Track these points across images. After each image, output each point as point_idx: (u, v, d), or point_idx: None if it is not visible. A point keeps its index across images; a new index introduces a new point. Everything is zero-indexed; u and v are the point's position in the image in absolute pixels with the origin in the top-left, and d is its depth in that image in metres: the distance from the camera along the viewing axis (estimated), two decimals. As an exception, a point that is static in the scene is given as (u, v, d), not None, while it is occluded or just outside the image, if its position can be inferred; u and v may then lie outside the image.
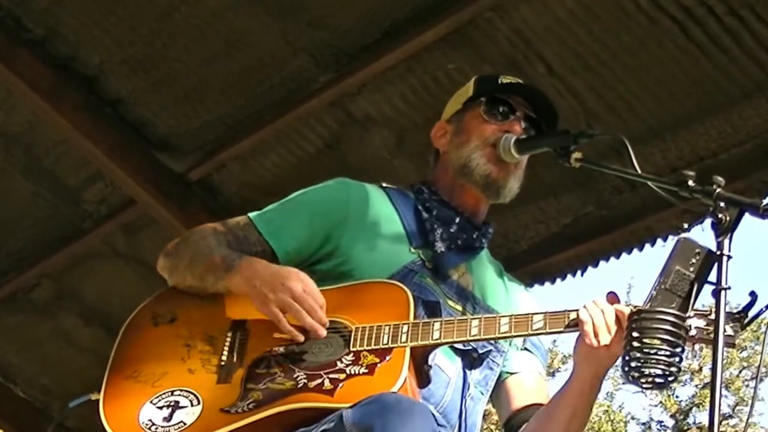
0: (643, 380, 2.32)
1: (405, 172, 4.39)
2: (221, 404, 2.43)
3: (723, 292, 2.22)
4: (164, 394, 2.48)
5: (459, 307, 2.70)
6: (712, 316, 2.30)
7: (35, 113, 4.60)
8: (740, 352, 13.27)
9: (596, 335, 2.42)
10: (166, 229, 4.73)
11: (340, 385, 2.38)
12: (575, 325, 2.45)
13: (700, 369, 13.35)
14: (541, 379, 2.81)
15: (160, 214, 4.77)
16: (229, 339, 2.56)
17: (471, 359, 2.69)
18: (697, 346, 2.42)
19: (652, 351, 2.28)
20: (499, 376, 2.76)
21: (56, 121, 4.53)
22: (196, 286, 2.63)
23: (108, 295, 5.25)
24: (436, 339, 2.46)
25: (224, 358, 2.52)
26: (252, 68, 4.34)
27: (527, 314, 2.48)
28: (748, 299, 2.36)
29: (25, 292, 5.36)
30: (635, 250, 4.45)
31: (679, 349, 2.29)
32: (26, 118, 4.65)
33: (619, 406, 13.99)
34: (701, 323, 2.38)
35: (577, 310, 2.45)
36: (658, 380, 2.31)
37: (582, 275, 4.62)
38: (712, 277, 2.27)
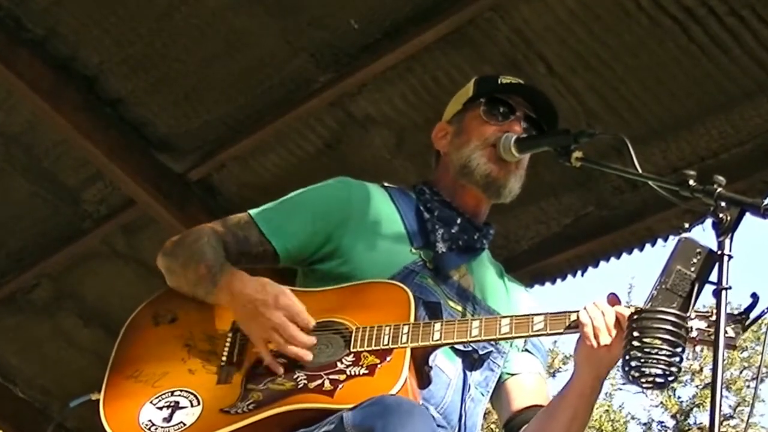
0: (643, 380, 2.31)
1: (405, 172, 4.38)
2: (221, 405, 2.43)
3: (724, 292, 2.22)
4: (164, 394, 2.48)
5: (459, 308, 2.69)
6: (713, 318, 2.30)
7: (35, 113, 4.59)
8: (741, 353, 13.26)
9: (596, 337, 2.42)
10: (165, 229, 4.72)
11: (341, 385, 2.38)
12: (575, 326, 2.44)
13: (701, 369, 13.34)
14: (542, 380, 2.81)
15: (159, 215, 4.76)
16: (229, 339, 2.56)
17: (472, 360, 2.68)
18: (698, 347, 2.41)
19: (653, 351, 2.28)
20: (500, 377, 2.75)
21: (56, 121, 4.52)
22: (191, 295, 2.62)
23: (108, 295, 5.25)
24: (437, 340, 2.46)
25: (224, 358, 2.52)
26: (252, 68, 4.34)
27: (528, 315, 2.48)
28: (749, 300, 2.36)
29: (25, 292, 5.36)
30: (636, 251, 4.45)
31: (679, 349, 2.28)
32: (26, 118, 4.65)
33: (620, 406, 13.99)
34: (702, 325, 2.37)
35: (577, 312, 2.45)
36: (658, 380, 2.30)
37: (582, 275, 4.62)
38: (713, 277, 2.27)
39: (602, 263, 4.55)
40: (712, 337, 2.25)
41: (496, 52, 4.04)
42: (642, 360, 2.28)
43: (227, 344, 2.55)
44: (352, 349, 2.45)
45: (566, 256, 4.58)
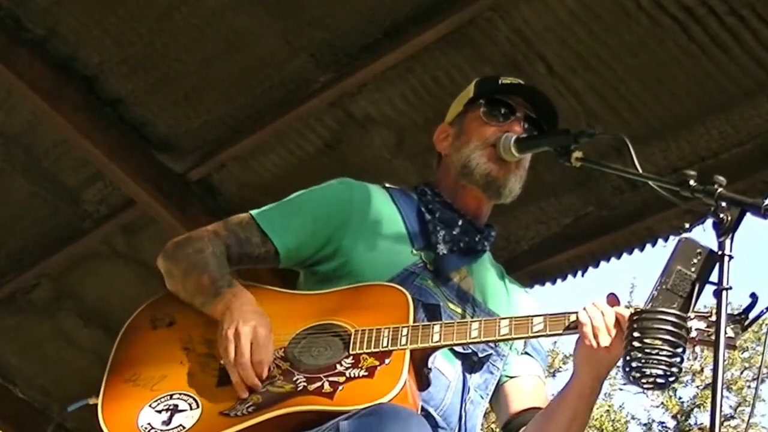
0: (644, 380, 2.31)
1: (405, 173, 4.38)
2: (220, 407, 2.42)
3: (724, 292, 2.22)
4: (163, 397, 2.47)
5: (459, 310, 2.69)
6: (713, 318, 2.30)
7: (35, 113, 4.59)
8: (742, 353, 13.26)
9: (596, 337, 2.41)
10: (165, 229, 4.72)
11: (340, 387, 2.37)
12: (575, 327, 2.44)
13: (702, 370, 13.33)
14: (541, 382, 2.80)
15: (159, 215, 4.76)
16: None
17: (471, 363, 2.68)
18: (698, 347, 2.41)
19: (653, 351, 2.27)
20: (499, 380, 2.75)
21: (56, 121, 4.52)
22: (188, 302, 2.62)
23: (107, 295, 5.24)
24: (436, 341, 2.45)
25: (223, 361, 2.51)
26: (252, 68, 4.34)
27: (527, 317, 2.47)
28: (748, 300, 2.36)
29: (25, 292, 5.35)
30: (636, 251, 4.45)
31: (680, 350, 2.28)
32: (26, 118, 4.65)
33: (620, 406, 13.98)
34: (702, 325, 2.37)
35: (576, 312, 2.44)
36: (659, 380, 2.30)
37: (583, 276, 4.62)
38: (714, 277, 2.26)
39: (602, 263, 4.55)
40: (712, 337, 2.25)
41: (496, 52, 4.04)
42: (643, 360, 2.28)
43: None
44: (351, 352, 2.44)
45: (566, 256, 4.57)
